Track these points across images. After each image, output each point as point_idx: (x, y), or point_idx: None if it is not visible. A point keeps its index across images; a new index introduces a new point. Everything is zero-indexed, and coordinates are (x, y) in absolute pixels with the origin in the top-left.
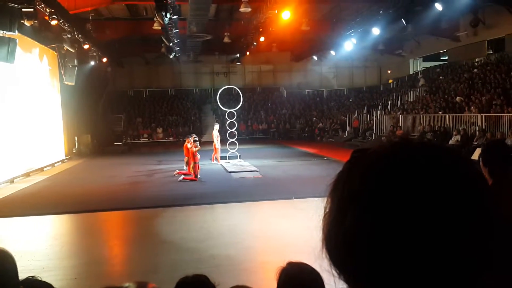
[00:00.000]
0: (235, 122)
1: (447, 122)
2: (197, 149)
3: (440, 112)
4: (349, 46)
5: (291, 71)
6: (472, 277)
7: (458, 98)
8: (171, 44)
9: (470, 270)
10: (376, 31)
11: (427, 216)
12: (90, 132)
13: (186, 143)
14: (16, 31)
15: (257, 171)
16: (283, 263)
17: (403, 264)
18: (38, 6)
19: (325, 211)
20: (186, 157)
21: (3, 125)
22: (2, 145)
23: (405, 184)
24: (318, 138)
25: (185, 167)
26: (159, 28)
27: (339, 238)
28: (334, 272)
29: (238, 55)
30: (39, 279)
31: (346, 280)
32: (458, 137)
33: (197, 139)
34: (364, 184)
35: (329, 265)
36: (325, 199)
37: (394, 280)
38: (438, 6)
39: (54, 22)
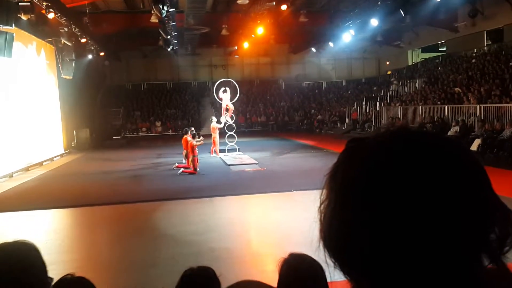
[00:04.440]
0: (233, 115)
1: (446, 113)
2: (199, 143)
3: (439, 103)
4: (347, 37)
5: (289, 63)
6: (471, 266)
7: (456, 89)
8: (168, 37)
9: (469, 259)
10: (374, 22)
11: (428, 206)
12: (88, 126)
13: (185, 136)
14: (13, 25)
15: (256, 163)
16: (284, 255)
17: (403, 253)
18: None
19: (322, 201)
20: (185, 151)
21: (1, 120)
22: (1, 140)
23: (406, 174)
24: (317, 130)
25: (184, 161)
26: (157, 21)
27: (338, 228)
28: (330, 262)
29: (236, 47)
30: (75, 275)
31: (344, 271)
32: (457, 128)
33: (195, 133)
34: (365, 174)
35: (326, 255)
36: (322, 190)
37: (393, 269)
38: None
39: (51, 16)
